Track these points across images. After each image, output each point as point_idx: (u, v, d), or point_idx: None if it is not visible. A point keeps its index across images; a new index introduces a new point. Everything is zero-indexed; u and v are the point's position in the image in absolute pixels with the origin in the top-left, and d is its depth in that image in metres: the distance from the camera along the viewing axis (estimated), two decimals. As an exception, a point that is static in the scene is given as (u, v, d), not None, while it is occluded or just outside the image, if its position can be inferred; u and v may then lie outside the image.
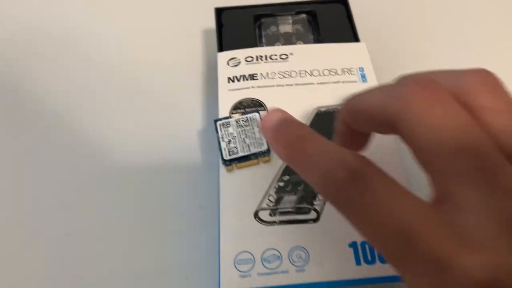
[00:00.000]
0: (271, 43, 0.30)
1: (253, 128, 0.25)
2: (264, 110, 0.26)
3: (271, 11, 0.32)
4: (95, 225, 0.27)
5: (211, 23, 0.32)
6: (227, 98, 0.27)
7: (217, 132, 0.25)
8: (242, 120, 0.25)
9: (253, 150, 0.24)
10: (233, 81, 0.28)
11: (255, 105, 0.26)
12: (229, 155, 0.24)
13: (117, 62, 0.35)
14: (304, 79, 0.27)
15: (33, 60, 0.35)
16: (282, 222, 0.22)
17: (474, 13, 0.37)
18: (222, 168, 0.24)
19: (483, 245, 0.13)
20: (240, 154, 0.24)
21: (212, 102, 0.32)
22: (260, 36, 0.31)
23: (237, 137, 0.25)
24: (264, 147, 0.25)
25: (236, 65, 0.28)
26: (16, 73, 0.35)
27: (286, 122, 0.18)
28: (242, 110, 0.26)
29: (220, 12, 0.32)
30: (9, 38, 0.37)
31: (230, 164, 0.24)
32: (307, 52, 0.29)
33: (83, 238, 0.26)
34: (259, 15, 0.31)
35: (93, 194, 0.28)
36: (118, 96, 0.33)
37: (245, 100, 0.26)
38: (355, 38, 0.30)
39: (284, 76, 0.28)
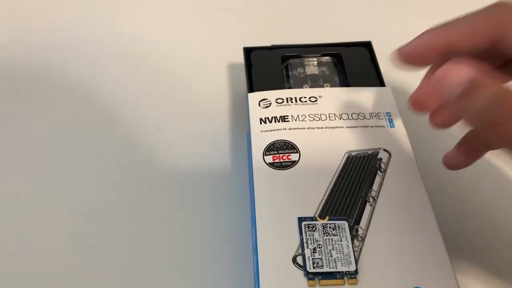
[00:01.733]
0: (298, 84, 0.31)
1: (341, 240, 0.23)
2: (297, 152, 0.27)
3: (297, 53, 0.33)
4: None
5: (235, 58, 0.33)
6: (259, 139, 0.27)
7: (300, 233, 0.23)
8: (330, 227, 0.23)
9: (340, 267, 0.22)
10: (265, 122, 0.28)
11: (288, 147, 0.27)
12: (313, 267, 0.22)
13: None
14: (333, 122, 0.28)
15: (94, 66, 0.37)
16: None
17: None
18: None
19: None
20: (325, 269, 0.22)
21: (239, 141, 0.32)
22: (288, 77, 0.32)
23: (323, 247, 0.23)
24: (352, 267, 0.22)
25: (267, 107, 0.29)
26: (77, 76, 0.37)
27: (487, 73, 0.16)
28: (275, 152, 0.27)
29: (249, 52, 0.32)
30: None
31: (313, 279, 0.22)
32: (335, 95, 0.30)
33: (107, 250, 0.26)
34: (286, 56, 0.32)
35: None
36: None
37: (278, 142, 0.27)
38: (380, 81, 0.31)
39: (314, 119, 0.28)
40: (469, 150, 0.24)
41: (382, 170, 0.26)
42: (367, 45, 0.33)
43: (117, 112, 0.34)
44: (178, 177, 0.31)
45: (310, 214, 0.24)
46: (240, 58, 0.33)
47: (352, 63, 0.32)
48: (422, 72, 0.36)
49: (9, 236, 0.28)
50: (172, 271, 0.26)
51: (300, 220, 0.24)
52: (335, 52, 0.33)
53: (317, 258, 0.23)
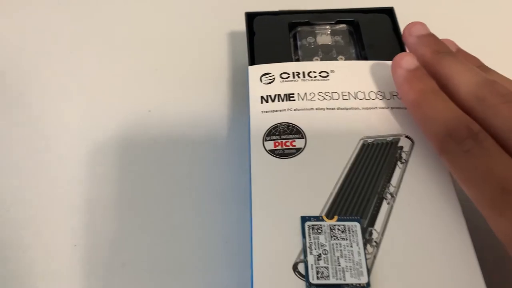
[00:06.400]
0: (308, 56, 0.27)
1: (351, 245, 0.19)
2: (303, 138, 0.23)
3: (308, 19, 0.28)
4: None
5: (237, 26, 0.28)
6: (260, 121, 0.23)
7: (303, 236, 0.20)
8: (338, 229, 0.20)
9: (350, 279, 0.19)
10: (266, 101, 0.24)
11: (292, 131, 0.23)
12: (317, 277, 0.19)
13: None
14: (347, 102, 0.24)
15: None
16: None
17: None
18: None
19: None
20: (332, 280, 0.18)
21: (240, 123, 0.28)
22: (296, 47, 0.27)
23: (329, 253, 0.19)
24: (364, 279, 0.18)
25: (270, 82, 0.25)
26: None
27: (421, 70, 0.23)
28: (277, 137, 0.23)
29: (251, 18, 0.28)
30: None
31: None
32: (350, 69, 0.25)
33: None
34: (294, 23, 0.28)
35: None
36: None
37: (281, 125, 0.23)
38: (403, 55, 0.27)
39: (324, 98, 0.24)
40: None
41: (403, 161, 0.22)
42: (389, 12, 0.29)
43: (106, 91, 0.31)
44: (170, 166, 0.27)
45: (316, 212, 0.20)
46: (242, 26, 0.28)
47: (370, 33, 0.28)
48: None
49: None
50: (165, 273, 0.23)
51: (304, 219, 0.20)
52: (352, 19, 0.28)
53: (322, 267, 0.19)
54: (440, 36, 0.25)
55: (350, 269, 0.19)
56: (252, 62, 0.26)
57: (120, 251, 0.24)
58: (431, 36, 0.24)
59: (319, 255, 0.19)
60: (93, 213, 0.25)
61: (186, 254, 0.24)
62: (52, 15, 0.35)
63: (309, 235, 0.20)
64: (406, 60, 0.23)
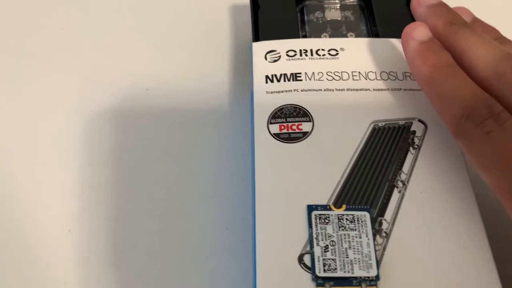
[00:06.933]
0: (316, 32, 0.25)
1: (360, 236, 0.18)
2: (310, 121, 0.21)
3: (316, -8, 0.26)
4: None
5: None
6: (264, 103, 0.22)
7: (310, 226, 0.19)
8: (347, 219, 0.18)
9: (358, 272, 0.18)
10: (271, 81, 0.23)
11: (299, 114, 0.21)
12: (324, 270, 0.18)
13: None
14: (357, 83, 0.23)
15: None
16: None
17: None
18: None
19: None
20: (340, 273, 0.18)
21: (242, 103, 0.27)
22: (303, 22, 0.26)
23: (337, 244, 0.18)
24: (373, 272, 0.18)
25: (275, 60, 0.23)
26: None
27: (435, 42, 0.21)
28: (283, 120, 0.21)
29: (256, -10, 0.26)
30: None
31: (323, 284, 0.17)
32: (361, 47, 0.24)
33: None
34: (302, -4, 0.26)
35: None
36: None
37: (287, 107, 0.22)
38: (417, 32, 0.25)
39: (333, 78, 0.23)
40: None
41: (416, 146, 0.21)
42: (403, -15, 0.27)
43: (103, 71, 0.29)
44: (169, 148, 0.26)
45: (323, 201, 0.19)
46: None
47: (383, 8, 0.26)
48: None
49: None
50: (163, 261, 0.22)
51: (310, 208, 0.19)
52: (363, -7, 0.26)
53: (329, 259, 0.18)
54: (454, 4, 0.23)
55: (359, 261, 0.18)
56: (257, 38, 0.25)
57: (118, 239, 0.23)
58: (443, 5, 0.22)
59: (326, 247, 0.18)
60: (90, 197, 0.24)
61: (185, 241, 0.23)
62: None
63: (316, 225, 0.19)
64: (418, 31, 0.21)
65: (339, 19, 0.26)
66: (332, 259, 0.18)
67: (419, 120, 0.22)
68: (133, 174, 0.25)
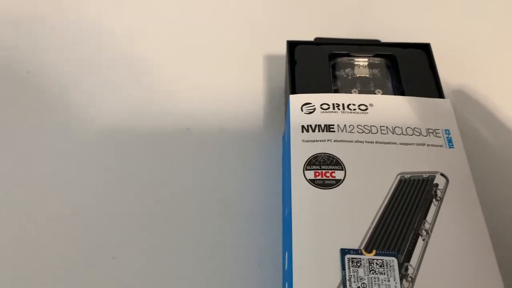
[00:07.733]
0: (346, 87, 0.28)
1: (388, 280, 0.20)
2: (342, 169, 0.23)
3: (347, 51, 0.29)
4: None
5: (272, 49, 0.29)
6: (300, 151, 0.24)
7: (343, 268, 0.20)
8: (377, 263, 0.20)
9: None
10: (307, 130, 0.25)
11: (332, 162, 0.24)
12: None
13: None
14: (385, 136, 0.25)
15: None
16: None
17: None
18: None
19: None
20: None
21: (274, 150, 0.29)
22: (334, 77, 0.28)
23: (367, 286, 0.20)
24: None
25: (310, 112, 0.26)
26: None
27: None
28: (318, 167, 0.23)
29: (293, 47, 0.29)
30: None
31: None
32: (388, 104, 0.26)
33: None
34: (335, 54, 0.29)
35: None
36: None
37: (321, 155, 0.24)
38: (439, 91, 0.27)
39: (363, 131, 0.25)
40: None
41: (438, 198, 0.23)
42: (425, 48, 0.29)
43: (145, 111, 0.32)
44: (202, 195, 0.28)
45: (355, 245, 0.21)
46: (277, 50, 0.29)
47: (407, 68, 0.28)
48: (485, 82, 0.32)
49: (27, 241, 0.26)
50: None
51: (344, 252, 0.21)
52: (390, 53, 0.29)
53: None
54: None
55: (387, 303, 0.20)
56: (293, 91, 0.27)
57: (154, 269, 0.25)
58: None
59: (358, 288, 0.20)
60: (133, 226, 0.26)
61: (217, 275, 0.24)
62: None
63: (349, 268, 0.20)
64: None
65: (367, 76, 0.29)
66: None
67: (441, 174, 0.24)
68: (173, 206, 0.27)
